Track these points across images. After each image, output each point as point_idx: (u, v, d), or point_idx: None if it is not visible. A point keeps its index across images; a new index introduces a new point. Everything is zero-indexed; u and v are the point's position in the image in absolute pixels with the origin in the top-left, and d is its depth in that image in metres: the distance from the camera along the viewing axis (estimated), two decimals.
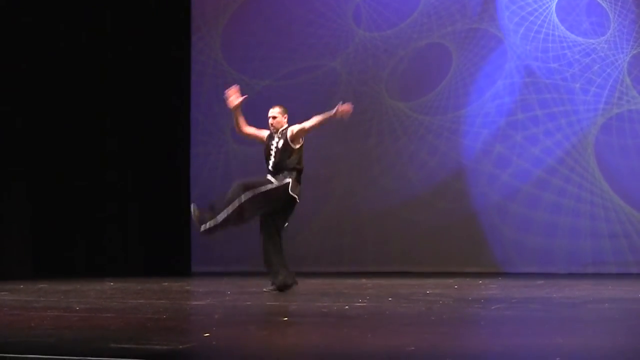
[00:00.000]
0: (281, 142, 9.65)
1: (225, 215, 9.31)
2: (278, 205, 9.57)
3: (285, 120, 9.81)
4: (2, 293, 9.85)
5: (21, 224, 12.87)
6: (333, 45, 13.65)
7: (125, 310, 8.19)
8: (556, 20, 12.79)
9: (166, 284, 11.20)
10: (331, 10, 13.67)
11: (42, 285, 10.88)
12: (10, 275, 12.10)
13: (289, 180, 9.51)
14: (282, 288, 9.53)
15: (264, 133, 9.89)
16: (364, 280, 11.27)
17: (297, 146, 9.63)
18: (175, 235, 13.88)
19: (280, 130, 9.74)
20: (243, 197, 9.33)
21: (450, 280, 11.04)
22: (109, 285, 10.99)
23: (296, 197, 9.52)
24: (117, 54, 13.65)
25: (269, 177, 9.59)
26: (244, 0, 14.02)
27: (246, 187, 9.41)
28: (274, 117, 9.79)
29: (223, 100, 9.69)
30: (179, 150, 14.02)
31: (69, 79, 13.32)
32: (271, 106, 9.87)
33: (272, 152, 9.68)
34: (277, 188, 9.49)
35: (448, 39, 13.16)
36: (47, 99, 13.17)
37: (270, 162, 9.66)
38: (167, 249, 13.76)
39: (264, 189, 9.47)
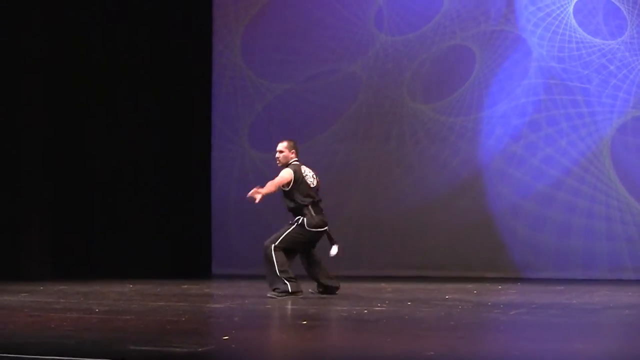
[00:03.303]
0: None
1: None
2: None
3: (293, 155, 9.53)
4: (22, 294, 9.89)
5: (41, 226, 12.91)
6: (354, 49, 13.61)
7: (144, 312, 8.22)
8: (574, 22, 12.74)
9: (186, 286, 11.21)
10: (353, 14, 13.64)
11: (61, 287, 10.92)
12: (30, 276, 12.14)
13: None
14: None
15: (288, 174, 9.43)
16: (383, 285, 11.25)
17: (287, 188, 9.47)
18: (195, 238, 13.89)
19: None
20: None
21: (470, 285, 11.01)
22: (129, 287, 11.02)
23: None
24: (137, 57, 13.66)
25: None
26: (264, 3, 14.01)
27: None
28: (280, 152, 9.55)
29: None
30: (199, 154, 14.01)
31: (90, 81, 13.36)
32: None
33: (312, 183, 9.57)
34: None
35: (470, 42, 13.12)
36: (69, 101, 13.21)
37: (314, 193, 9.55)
38: (187, 252, 13.78)
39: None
